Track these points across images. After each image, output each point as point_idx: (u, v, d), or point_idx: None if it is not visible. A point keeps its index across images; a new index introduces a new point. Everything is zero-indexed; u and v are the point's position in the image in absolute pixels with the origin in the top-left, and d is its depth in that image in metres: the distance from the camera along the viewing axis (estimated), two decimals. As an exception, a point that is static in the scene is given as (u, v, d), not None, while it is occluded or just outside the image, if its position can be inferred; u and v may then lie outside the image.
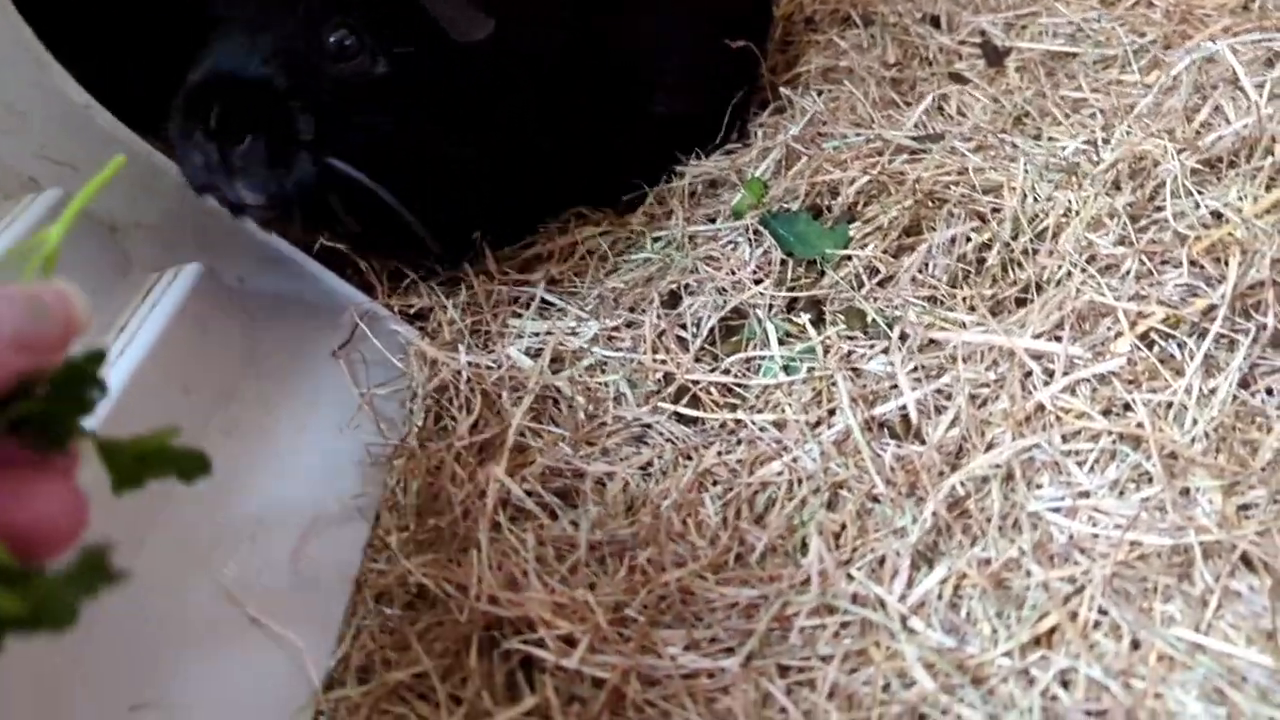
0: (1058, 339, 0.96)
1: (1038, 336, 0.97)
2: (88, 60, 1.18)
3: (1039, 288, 1.07)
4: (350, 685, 0.85)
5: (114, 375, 0.88)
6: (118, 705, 0.75)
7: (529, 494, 0.99)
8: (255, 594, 0.87)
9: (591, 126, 1.24)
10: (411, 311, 1.21)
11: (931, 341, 1.04)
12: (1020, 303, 1.07)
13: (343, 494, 0.98)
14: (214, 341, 0.99)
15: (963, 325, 1.03)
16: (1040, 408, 0.92)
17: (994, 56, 1.48)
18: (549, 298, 1.21)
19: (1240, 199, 0.97)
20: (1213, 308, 0.92)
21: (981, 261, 1.12)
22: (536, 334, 1.17)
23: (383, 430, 1.07)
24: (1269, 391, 0.92)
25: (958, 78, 1.45)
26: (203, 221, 1.11)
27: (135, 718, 0.75)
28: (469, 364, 1.10)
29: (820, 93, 1.38)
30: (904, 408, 0.98)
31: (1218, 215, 0.99)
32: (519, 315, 1.20)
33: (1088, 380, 0.92)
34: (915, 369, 1.00)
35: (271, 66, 0.98)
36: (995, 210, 1.14)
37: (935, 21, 1.57)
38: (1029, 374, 0.95)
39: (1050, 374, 0.94)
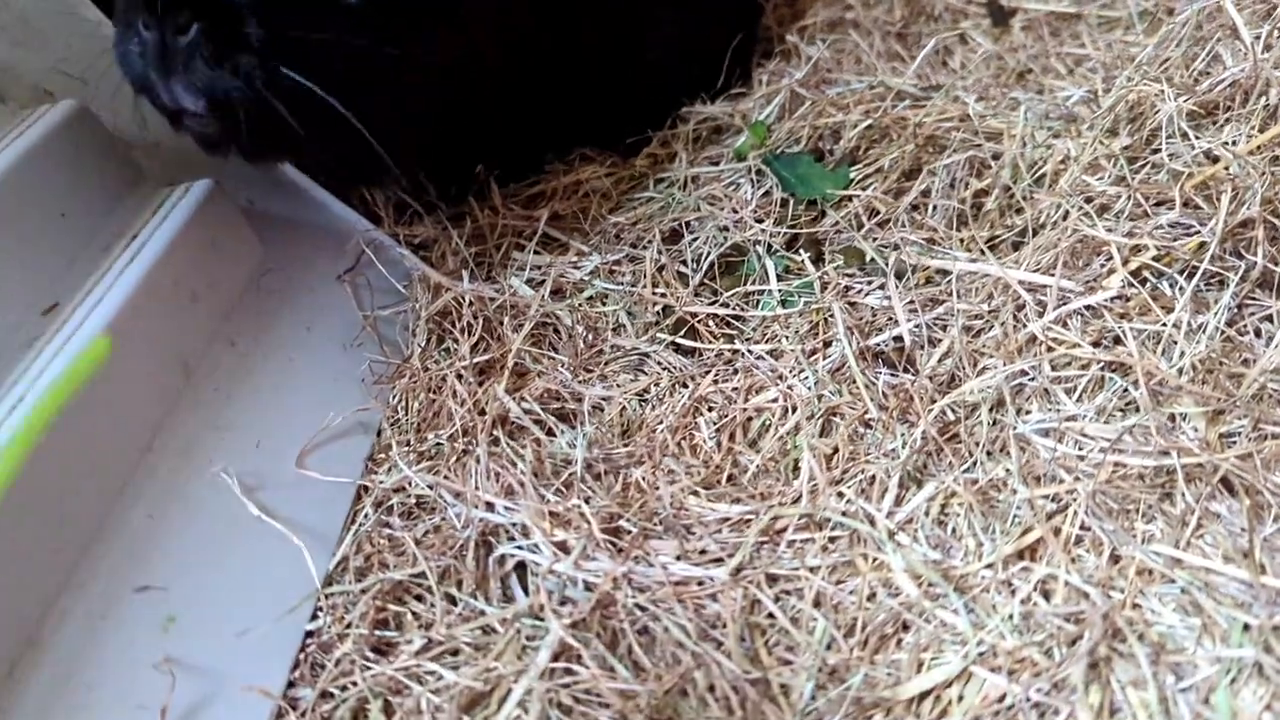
0: (1051, 273, 0.98)
1: (1032, 271, 0.98)
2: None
3: (1035, 232, 1.09)
4: (349, 583, 0.87)
5: (125, 279, 0.90)
6: (123, 587, 0.77)
7: (527, 413, 1.01)
8: (258, 496, 0.89)
9: (586, 70, 1.25)
10: (416, 241, 1.23)
11: (927, 280, 1.06)
12: (1016, 246, 1.08)
13: (345, 408, 1.00)
14: (223, 255, 1.01)
15: (955, 260, 1.05)
16: (1032, 339, 0.94)
17: (1000, 16, 1.50)
18: (552, 232, 1.22)
19: (1234, 140, 0.99)
20: (1204, 245, 0.93)
21: (979, 206, 1.13)
22: (539, 266, 1.18)
23: (385, 351, 1.09)
24: (1256, 331, 0.94)
25: (964, 37, 1.47)
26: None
27: (139, 598, 0.77)
28: (471, 290, 1.12)
29: (825, 42, 1.40)
30: (899, 338, 0.99)
31: (1213, 158, 1.00)
32: (521, 248, 1.21)
33: (1079, 312, 0.94)
34: (911, 301, 1.02)
35: None
36: (995, 157, 1.16)
37: (943, -19, 1.58)
38: (1022, 306, 0.97)
39: (1043, 306, 0.96)
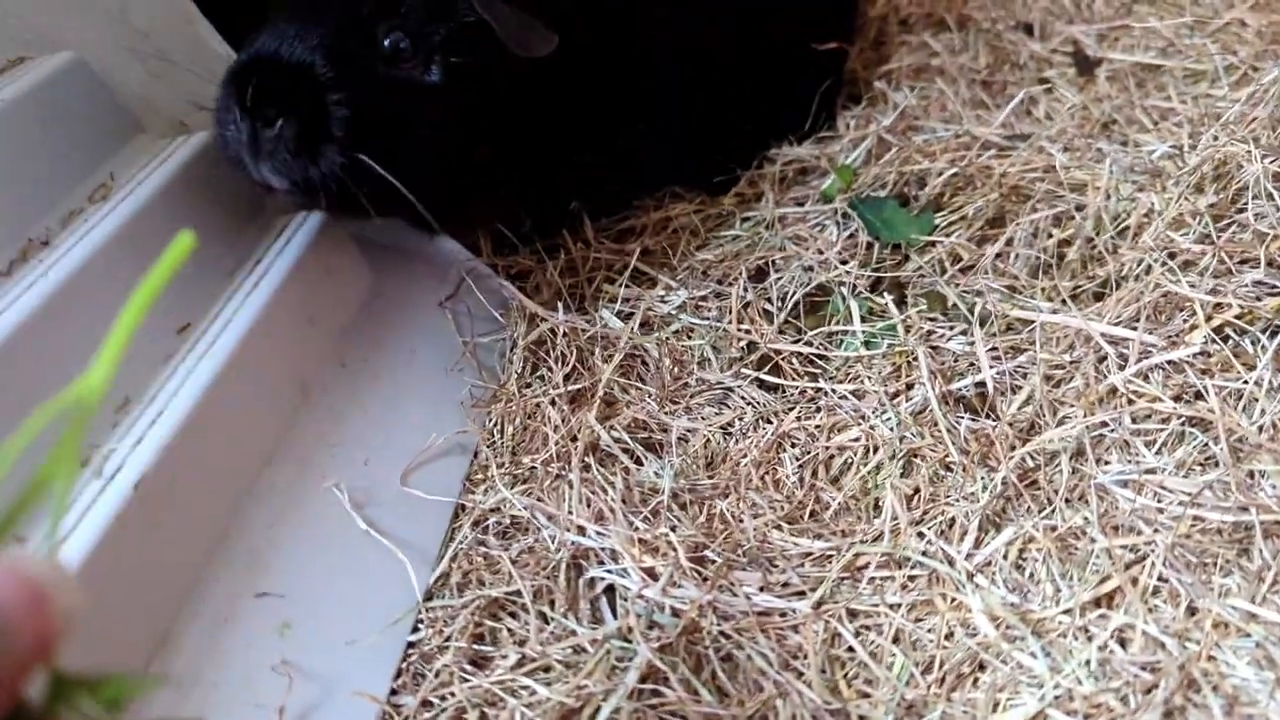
0: (1134, 327, 1.00)
1: (1115, 323, 1.01)
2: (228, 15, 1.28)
3: (1117, 284, 1.11)
4: (449, 597, 0.92)
5: (251, 302, 0.96)
6: (245, 592, 0.83)
7: (616, 441, 1.06)
8: (366, 511, 0.94)
9: (673, 113, 1.30)
10: (513, 271, 1.29)
11: (1009, 327, 1.08)
12: (1098, 297, 1.11)
13: (446, 430, 1.05)
14: (336, 281, 1.07)
15: (1038, 310, 1.07)
16: (1113, 390, 0.97)
17: (1085, 65, 1.52)
18: (641, 267, 1.27)
19: (1321, 204, 1.01)
20: (1288, 305, 0.95)
21: (1062, 256, 1.16)
22: (628, 299, 1.23)
23: (483, 376, 1.14)
24: (1339, 391, 0.95)
25: (1048, 85, 1.49)
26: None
27: (259, 603, 0.83)
28: (565, 321, 1.17)
29: (912, 89, 1.43)
30: (980, 383, 1.02)
31: (1299, 219, 1.02)
32: (612, 281, 1.27)
33: (1161, 367, 0.96)
34: (993, 348, 1.04)
35: (317, 55, 0.96)
36: (1079, 208, 1.19)
37: (1028, 29, 1.61)
38: (1104, 359, 1.00)
39: (1125, 359, 0.98)
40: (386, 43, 1.00)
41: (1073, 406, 0.97)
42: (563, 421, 1.07)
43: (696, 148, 1.36)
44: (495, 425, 1.10)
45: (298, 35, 0.97)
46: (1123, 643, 0.81)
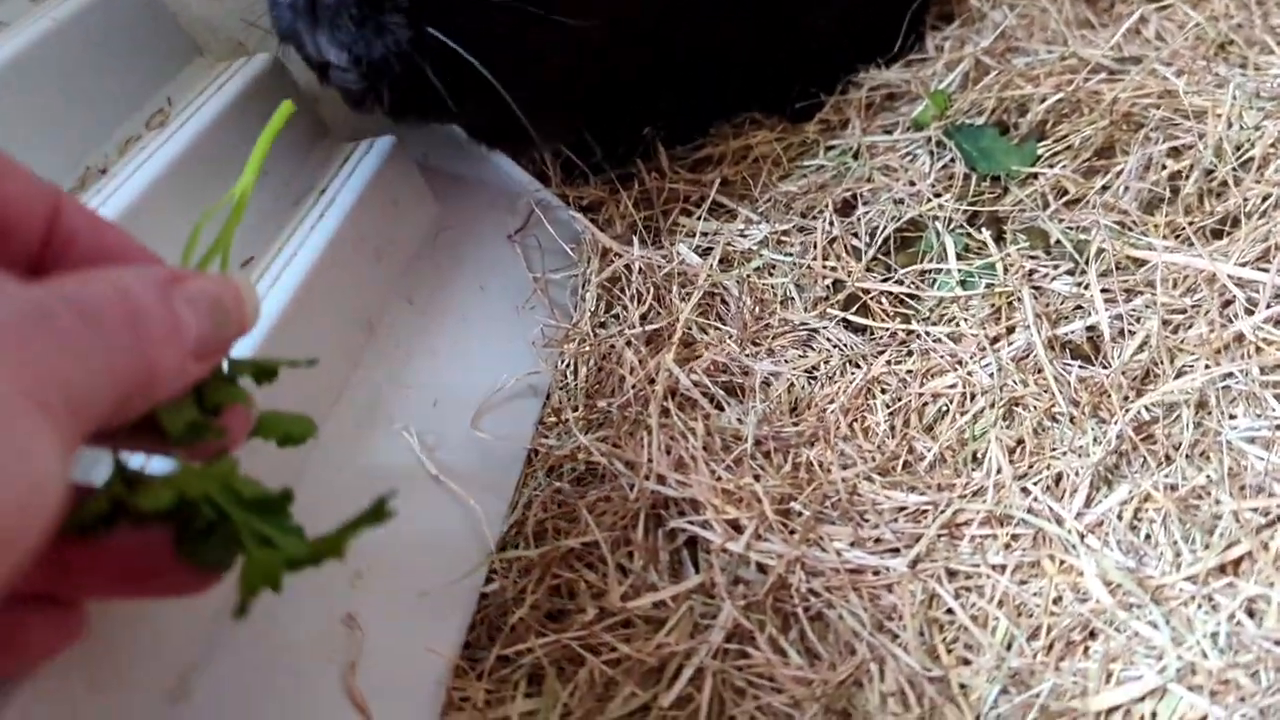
0: (1264, 269, 0.92)
1: (1242, 264, 0.93)
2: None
3: (1237, 221, 1.02)
4: (523, 547, 0.88)
5: (316, 236, 0.91)
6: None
7: (696, 385, 1.00)
8: (436, 455, 0.90)
9: (755, 31, 1.22)
10: (584, 203, 1.22)
11: (1119, 266, 1.01)
12: (1216, 234, 1.02)
13: (517, 371, 1.01)
14: (403, 213, 1.02)
15: (1150, 248, 0.99)
16: (1240, 337, 0.89)
17: (1199, -19, 1.40)
18: (720, 199, 1.20)
19: None
20: None
21: (1176, 190, 1.07)
22: (706, 233, 1.17)
23: (555, 314, 1.09)
24: None
25: (1158, 1, 1.38)
26: (393, 97, 1.13)
27: (330, 553, 0.79)
28: (640, 257, 1.11)
29: (1011, 7, 1.33)
30: (1091, 327, 0.95)
31: None
32: (689, 213, 1.20)
33: (1295, 312, 0.88)
34: (1105, 289, 0.97)
35: None
36: (1197, 136, 1.09)
37: (1137, -60, 1.49)
38: (1229, 302, 0.92)
39: (1253, 304, 0.90)
40: None
41: (1194, 355, 0.90)
42: (640, 364, 1.01)
43: (776, 70, 1.27)
44: (568, 366, 1.05)
45: None
46: (1252, 614, 0.75)
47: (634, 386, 1.00)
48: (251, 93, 0.96)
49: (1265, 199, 1.01)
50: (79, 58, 0.88)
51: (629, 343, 1.04)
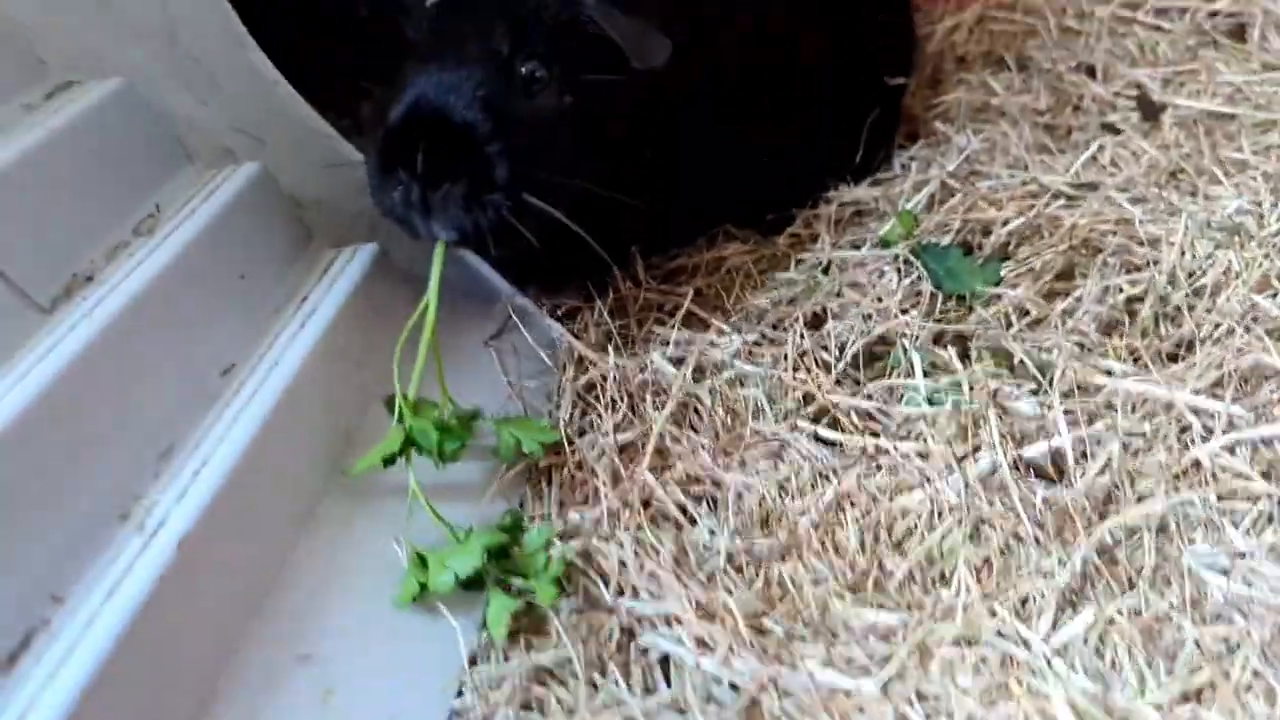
0: (1217, 397, 0.95)
1: (1197, 392, 0.96)
2: (277, 39, 1.25)
3: (1191, 345, 1.07)
4: (495, 662, 0.88)
5: (298, 344, 0.92)
6: (287, 654, 0.79)
7: (669, 497, 1.01)
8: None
9: (742, 147, 1.27)
10: (560, 311, 1.25)
11: (1080, 387, 1.04)
12: (1172, 358, 1.06)
13: (500, 476, 1.02)
14: (384, 320, 1.03)
15: (1109, 372, 1.03)
16: (1197, 464, 0.92)
17: (1150, 111, 1.48)
18: (693, 309, 1.23)
19: None
20: (1386, 381, 0.91)
21: (1133, 314, 1.11)
22: (680, 342, 1.19)
23: (529, 417, 1.10)
24: None
25: (1112, 129, 1.45)
26: (376, 205, 1.16)
27: (301, 668, 0.79)
28: (616, 366, 1.13)
29: (975, 131, 1.39)
30: (1054, 449, 0.98)
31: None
32: (663, 322, 1.22)
33: (1249, 441, 0.92)
34: (1067, 410, 1.00)
35: (473, 107, 0.99)
36: (1152, 263, 1.14)
37: (1090, 71, 1.57)
38: (1186, 428, 0.95)
39: (1209, 431, 0.93)
40: (524, 71, 1.03)
41: (1153, 479, 0.93)
42: (612, 476, 1.03)
43: (750, 184, 1.32)
44: (542, 474, 1.06)
45: (448, 86, 1.00)
46: (1215, 742, 0.76)
47: (607, 497, 1.00)
48: (241, 201, 0.98)
49: (1217, 327, 1.05)
50: (70, 164, 0.90)
51: (602, 453, 1.05)
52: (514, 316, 1.17)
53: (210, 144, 1.05)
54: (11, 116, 0.91)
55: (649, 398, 1.11)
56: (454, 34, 1.05)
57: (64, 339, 0.78)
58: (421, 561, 0.87)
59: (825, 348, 1.16)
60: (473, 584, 0.87)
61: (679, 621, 0.88)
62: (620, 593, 0.92)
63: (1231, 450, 0.92)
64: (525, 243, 1.01)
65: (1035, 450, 0.99)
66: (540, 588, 0.88)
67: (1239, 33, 1.59)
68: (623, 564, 0.93)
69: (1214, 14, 1.64)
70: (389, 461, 0.91)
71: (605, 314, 1.22)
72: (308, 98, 1.20)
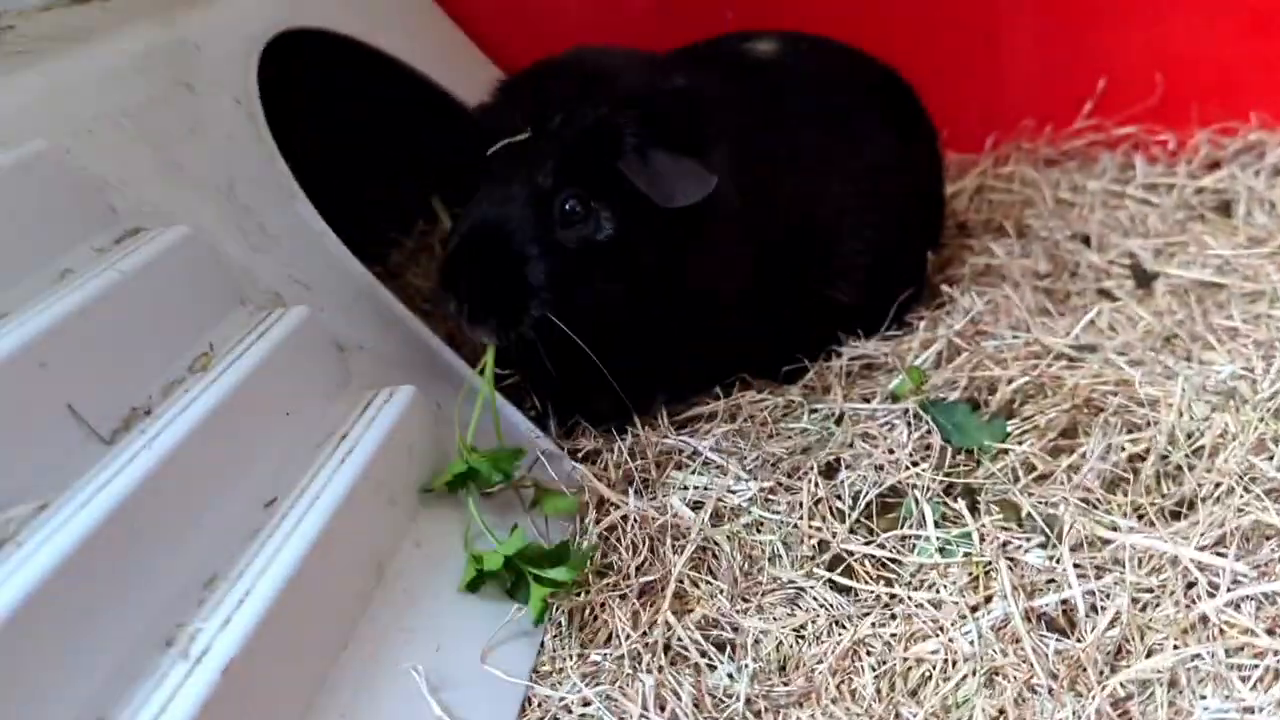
0: (1221, 554, 0.99)
1: (1202, 548, 1.00)
2: (327, 188, 1.34)
3: (1192, 504, 1.11)
4: (518, 802, 0.89)
5: (338, 480, 0.96)
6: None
7: (689, 639, 1.03)
8: (441, 696, 0.92)
9: (774, 303, 1.34)
10: (580, 453, 1.29)
11: (1088, 541, 1.07)
12: (1175, 515, 1.10)
13: (516, 614, 1.04)
14: (418, 459, 1.08)
15: (1115, 529, 1.07)
16: (1204, 619, 0.95)
17: (1143, 279, 1.56)
18: (711, 455, 1.27)
19: None
20: (1381, 541, 0.94)
21: (1136, 471, 1.16)
22: (698, 487, 1.23)
23: (553, 561, 1.13)
24: None
25: (1108, 294, 1.52)
26: (411, 349, 1.22)
27: (331, 801, 0.80)
28: (637, 510, 1.16)
29: (980, 294, 1.46)
30: (1065, 602, 1.01)
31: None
32: (681, 466, 1.27)
33: (1253, 598, 0.95)
34: (1076, 564, 1.03)
35: (515, 236, 1.14)
36: (1152, 423, 1.19)
37: (1086, 240, 1.66)
38: (1191, 584, 0.98)
39: (1214, 587, 0.97)
40: (561, 206, 1.14)
41: (1162, 633, 0.95)
42: (633, 618, 1.05)
43: (775, 344, 1.38)
44: (563, 615, 1.08)
45: (496, 218, 1.15)
46: None
47: (627, 638, 1.03)
48: (289, 343, 1.03)
49: (1217, 486, 1.09)
50: (135, 304, 0.96)
51: (623, 595, 1.08)
52: (541, 458, 1.21)
53: (261, 288, 1.12)
54: (85, 259, 0.98)
55: (668, 541, 1.15)
56: (507, 172, 1.16)
57: (123, 470, 0.82)
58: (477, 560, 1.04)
59: (839, 496, 1.20)
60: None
61: (700, 765, 0.90)
62: (641, 735, 0.93)
63: (1237, 606, 0.95)
64: (552, 359, 1.14)
65: (1046, 602, 1.02)
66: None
67: (1224, 208, 1.69)
68: (644, 710, 0.95)
69: (1200, 190, 1.74)
70: (454, 486, 1.09)
71: (626, 455, 1.26)
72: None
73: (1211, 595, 0.96)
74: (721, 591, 1.10)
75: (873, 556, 1.12)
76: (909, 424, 1.26)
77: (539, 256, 1.13)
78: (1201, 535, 1.02)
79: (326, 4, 1.59)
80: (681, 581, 1.10)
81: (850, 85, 1.44)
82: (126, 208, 1.05)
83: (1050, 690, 0.93)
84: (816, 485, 1.21)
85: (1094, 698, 0.90)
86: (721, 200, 1.20)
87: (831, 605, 1.08)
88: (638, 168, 1.12)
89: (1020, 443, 1.21)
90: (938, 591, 1.07)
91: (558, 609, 1.09)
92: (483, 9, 1.99)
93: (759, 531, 1.18)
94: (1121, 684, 0.92)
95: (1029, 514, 1.12)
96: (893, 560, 1.12)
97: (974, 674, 0.97)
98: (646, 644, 1.02)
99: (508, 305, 1.14)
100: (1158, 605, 0.98)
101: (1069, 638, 0.99)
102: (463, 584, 1.04)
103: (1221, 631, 0.94)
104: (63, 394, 0.85)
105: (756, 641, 1.05)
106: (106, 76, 1.17)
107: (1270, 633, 0.93)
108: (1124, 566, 1.02)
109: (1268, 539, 1.00)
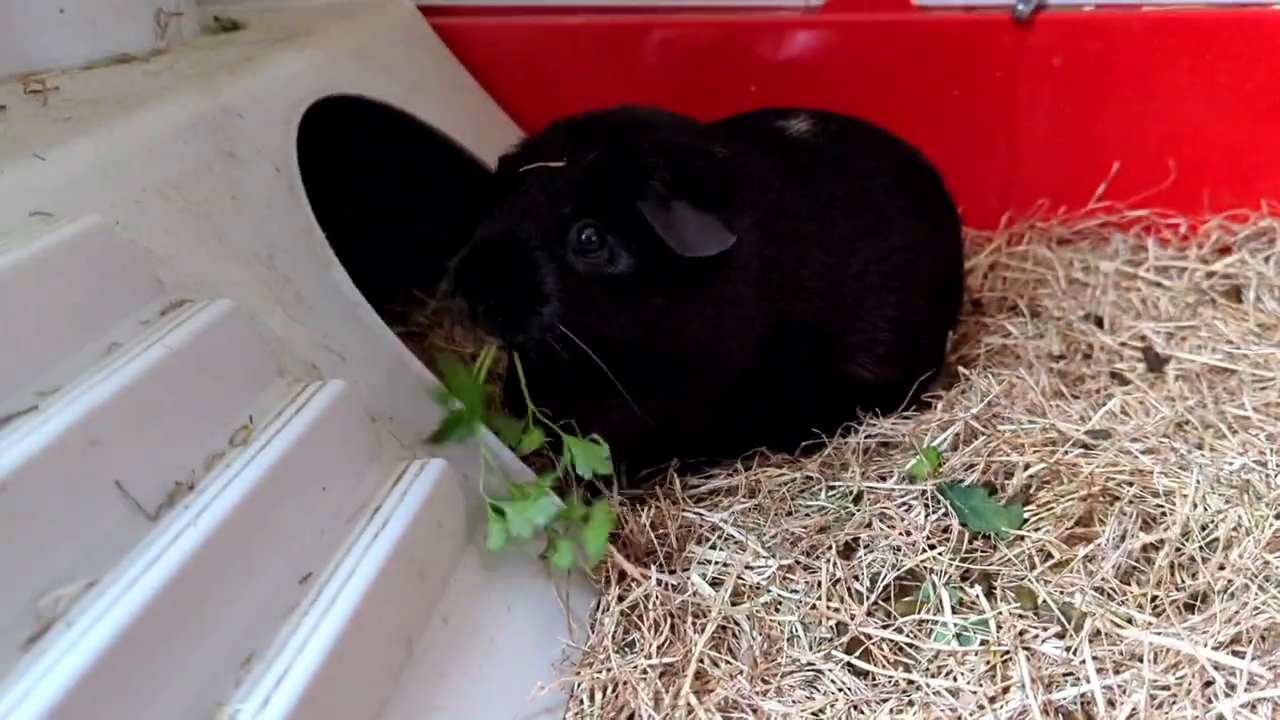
0: (1238, 654, 1.00)
1: (1218, 647, 1.01)
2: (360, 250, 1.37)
3: (1206, 597, 1.12)
4: None
5: (371, 558, 0.98)
6: None
7: (710, 722, 1.05)
8: (463, 780, 0.93)
9: (794, 376, 1.36)
10: (602, 525, 1.31)
11: (1105, 634, 1.09)
12: (1189, 608, 1.12)
13: (537, 694, 1.05)
14: (446, 534, 1.09)
15: (1131, 622, 1.08)
16: (1221, 719, 0.96)
17: (1154, 362, 1.58)
18: (730, 530, 1.29)
19: None
20: (1395, 647, 0.96)
21: (1150, 561, 1.17)
22: (717, 562, 1.25)
23: (573, 632, 1.14)
24: None
25: (1120, 377, 1.55)
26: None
27: None
28: (658, 584, 1.18)
29: (995, 375, 1.49)
30: (1083, 695, 1.02)
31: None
32: (700, 540, 1.28)
33: (1270, 700, 0.96)
34: (1098, 658, 1.05)
35: (526, 251, 1.17)
36: (1166, 514, 1.21)
37: (1099, 321, 1.69)
38: (1209, 683, 1.00)
39: (1231, 687, 0.98)
40: (577, 234, 1.17)
41: (1179, 732, 0.97)
42: (655, 699, 1.06)
43: (793, 417, 1.41)
44: (585, 692, 1.09)
45: (515, 230, 1.18)
46: None
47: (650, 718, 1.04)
48: (327, 416, 1.05)
49: (1231, 582, 1.11)
50: (180, 378, 0.97)
51: (644, 674, 1.09)
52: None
53: (298, 359, 1.13)
54: (131, 332, 0.99)
55: (689, 620, 1.16)
56: (533, 193, 1.20)
57: (169, 547, 0.84)
58: (499, 512, 1.12)
59: (857, 577, 1.22)
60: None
61: None
62: (664, 821, 0.94)
63: (1253, 708, 0.97)
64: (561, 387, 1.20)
65: (1065, 695, 1.03)
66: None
67: (1234, 293, 1.72)
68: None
69: (1210, 274, 1.77)
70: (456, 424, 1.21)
71: (648, 526, 1.28)
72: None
73: (1229, 695, 0.98)
74: (741, 672, 1.11)
75: (890, 641, 1.14)
76: (926, 505, 1.28)
77: (551, 271, 1.16)
78: (1218, 632, 1.04)
79: (365, 72, 1.62)
80: (702, 661, 1.12)
81: (878, 167, 1.47)
82: (172, 280, 1.07)
83: (1069, 787, 0.95)
84: (835, 565, 1.23)
85: (1113, 797, 0.92)
86: (740, 262, 1.24)
87: (850, 689, 1.09)
88: (657, 211, 1.15)
89: (1037, 529, 1.23)
90: (955, 679, 1.08)
91: (580, 686, 1.10)
92: (515, 84, 2.04)
93: (778, 611, 1.19)
94: (1141, 784, 0.93)
95: (1045, 602, 1.14)
96: (910, 645, 1.13)
97: (993, 766, 0.98)
98: (669, 725, 1.03)
99: (517, 307, 1.16)
100: (1175, 703, 1.00)
101: (1087, 732, 1.00)
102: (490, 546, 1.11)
103: (1239, 733, 0.95)
104: (111, 471, 0.86)
105: (776, 725, 1.07)
106: (154, 146, 1.20)
107: (1286, 736, 0.94)
108: (1141, 662, 1.03)
109: (1283, 640, 1.01)
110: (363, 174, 1.70)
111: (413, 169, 1.75)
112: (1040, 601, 1.15)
